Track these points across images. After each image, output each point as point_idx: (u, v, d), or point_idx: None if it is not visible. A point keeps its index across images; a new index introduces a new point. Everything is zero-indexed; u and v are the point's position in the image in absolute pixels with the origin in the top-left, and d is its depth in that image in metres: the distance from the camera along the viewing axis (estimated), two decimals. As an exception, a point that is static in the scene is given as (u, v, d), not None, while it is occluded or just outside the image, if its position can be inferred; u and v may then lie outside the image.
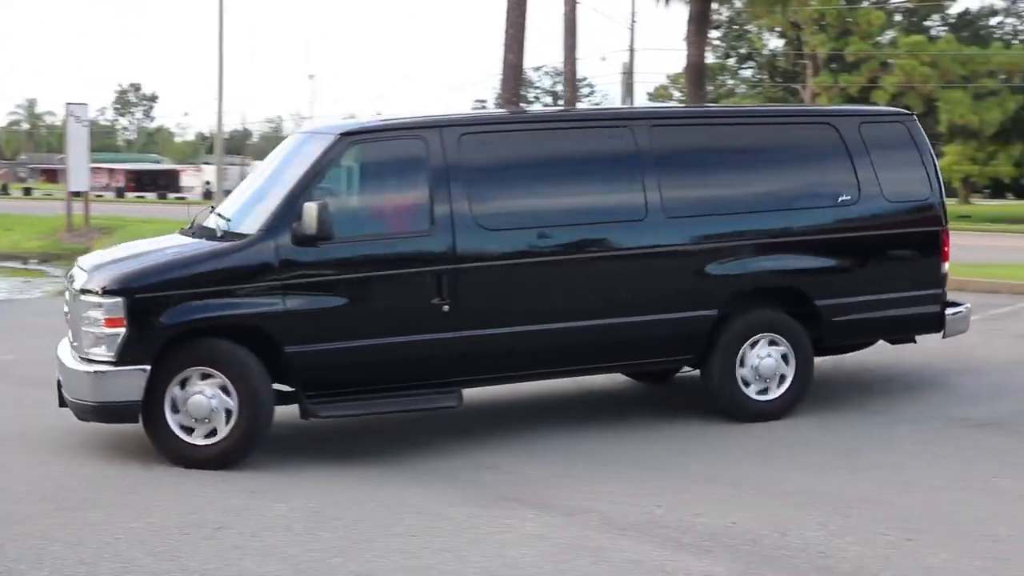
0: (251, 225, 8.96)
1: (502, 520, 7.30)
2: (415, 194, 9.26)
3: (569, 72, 18.97)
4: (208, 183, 75.73)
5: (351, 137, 9.26)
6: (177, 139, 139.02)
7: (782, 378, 9.87)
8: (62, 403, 9.03)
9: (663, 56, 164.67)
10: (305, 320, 8.76)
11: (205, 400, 8.48)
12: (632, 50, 56.54)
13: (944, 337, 10.73)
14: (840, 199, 10.22)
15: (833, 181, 10.29)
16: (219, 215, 9.57)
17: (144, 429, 8.65)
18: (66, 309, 9.36)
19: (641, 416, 10.01)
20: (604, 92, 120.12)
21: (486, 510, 7.54)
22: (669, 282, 9.73)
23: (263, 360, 8.62)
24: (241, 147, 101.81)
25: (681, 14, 17.70)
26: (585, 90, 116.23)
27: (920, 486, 7.89)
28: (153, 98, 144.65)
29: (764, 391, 9.86)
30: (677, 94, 66.59)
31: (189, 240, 9.47)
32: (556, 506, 7.60)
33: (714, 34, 61.99)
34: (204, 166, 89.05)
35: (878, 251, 10.46)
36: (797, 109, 12.41)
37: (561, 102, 35.63)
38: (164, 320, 8.51)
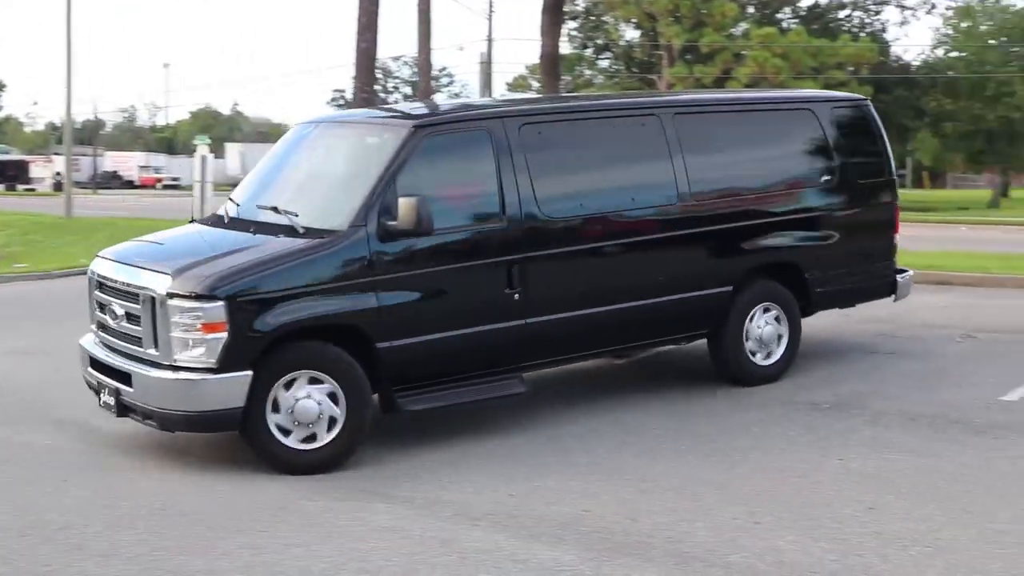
0: (328, 220, 8.71)
1: (355, 513, 7.26)
2: (485, 185, 9.25)
3: (424, 61, 18.88)
4: (59, 174, 73.74)
5: (425, 129, 9.14)
6: (27, 129, 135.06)
7: (778, 343, 10.83)
8: (122, 412, 8.55)
9: (522, 46, 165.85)
10: (395, 315, 8.65)
11: (313, 404, 8.23)
12: (490, 40, 56.76)
13: (895, 300, 12.08)
14: (823, 179, 11.27)
15: (816, 163, 11.34)
16: (273, 209, 9.09)
17: (241, 435, 8.36)
18: (104, 309, 8.95)
19: (497, 409, 9.97)
20: (463, 83, 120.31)
21: (340, 503, 7.48)
22: (699, 262, 10.42)
23: (356, 358, 8.48)
24: (93, 137, 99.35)
25: (536, 4, 17.78)
26: (444, 80, 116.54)
27: (768, 469, 8.02)
28: (0, 86, 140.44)
29: (767, 356, 10.76)
30: (536, 84, 66.88)
31: (245, 235, 9.04)
32: (411, 498, 7.56)
33: (572, 25, 62.49)
34: (55, 156, 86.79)
35: (851, 226, 11.43)
36: (783, 96, 13.53)
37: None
38: (267, 323, 8.17)
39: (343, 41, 70.18)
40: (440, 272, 8.92)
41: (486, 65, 56.75)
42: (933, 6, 78.34)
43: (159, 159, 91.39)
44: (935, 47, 78.70)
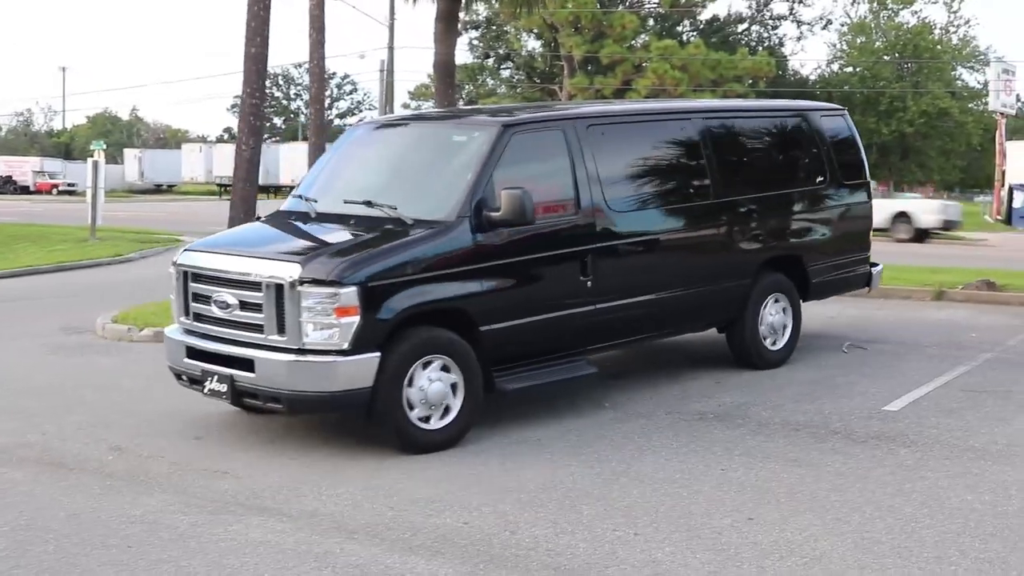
0: (433, 212, 9.28)
1: (227, 527, 7.08)
2: (562, 180, 10.02)
3: (316, 68, 18.68)
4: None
5: (512, 129, 9.80)
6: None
7: (784, 330, 12.10)
8: (237, 398, 8.97)
9: (424, 54, 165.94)
10: (495, 300, 9.36)
11: (442, 385, 8.88)
12: (391, 48, 56.45)
13: (869, 291, 13.80)
14: (818, 180, 12.64)
15: (812, 166, 12.68)
16: (366, 203, 9.57)
17: (369, 417, 8.79)
18: (206, 300, 9.24)
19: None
20: (366, 90, 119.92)
21: (213, 517, 7.29)
22: (731, 254, 11.62)
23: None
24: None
25: (430, 12, 17.73)
26: (347, 88, 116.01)
27: (650, 480, 7.97)
28: None
29: (774, 342, 12.00)
30: (438, 93, 66.69)
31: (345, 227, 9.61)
32: (286, 511, 7.39)
33: (473, 34, 62.60)
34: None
35: (839, 223, 12.86)
36: (783, 105, 15.15)
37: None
38: (392, 307, 8.68)
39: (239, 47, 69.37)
40: (530, 260, 9.65)
41: (387, 73, 56.52)
42: (829, 22, 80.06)
43: (55, 164, 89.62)
44: (831, 62, 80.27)
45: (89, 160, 30.12)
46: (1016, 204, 42.00)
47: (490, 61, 65.81)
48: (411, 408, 8.76)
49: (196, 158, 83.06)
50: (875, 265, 13.48)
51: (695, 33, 63.36)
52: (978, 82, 76.77)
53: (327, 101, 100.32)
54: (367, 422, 8.97)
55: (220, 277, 9.18)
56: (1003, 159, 45.92)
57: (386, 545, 6.74)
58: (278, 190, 76.56)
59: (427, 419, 8.85)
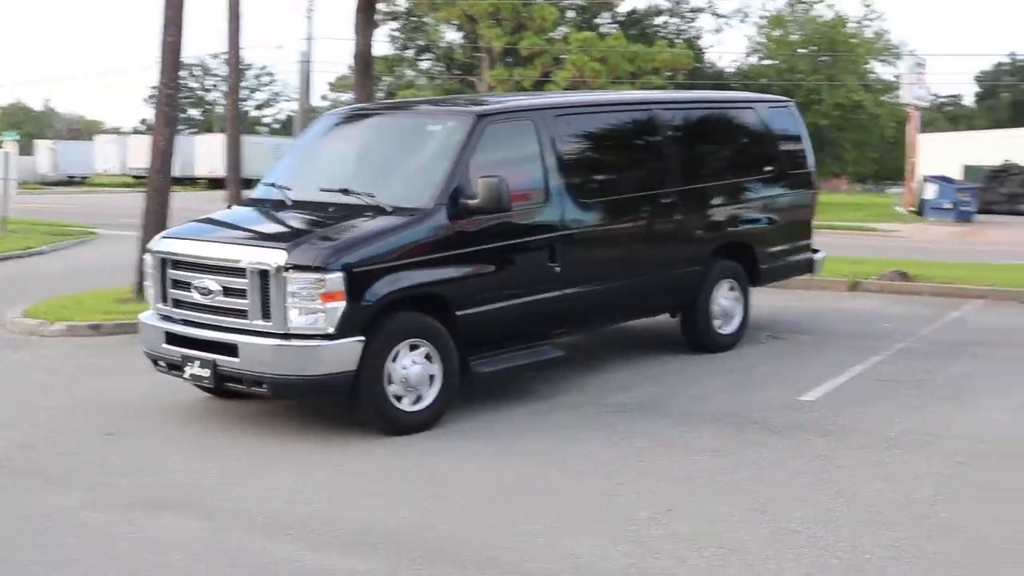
0: (411, 200, 9.50)
1: (140, 525, 6.98)
2: (533, 169, 10.33)
3: (233, 58, 18.46)
4: None
5: (486, 119, 10.07)
6: None
7: (734, 315, 12.57)
8: (219, 383, 9.11)
9: (343, 45, 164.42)
10: (471, 285, 9.63)
11: (420, 369, 9.13)
12: (310, 39, 56.09)
13: (812, 276, 14.54)
14: (766, 169, 13.10)
15: (761, 156, 13.15)
16: (343, 191, 9.81)
17: (351, 400, 9.02)
18: (186, 286, 9.36)
19: (302, 413, 9.79)
20: (284, 82, 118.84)
21: (126, 515, 7.18)
22: (687, 242, 12.02)
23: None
24: None
25: (350, 2, 17.54)
26: (265, 79, 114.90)
27: (571, 472, 7.99)
28: None
29: (723, 326, 12.43)
30: (357, 84, 66.18)
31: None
32: (202, 508, 7.31)
33: (393, 25, 62.24)
34: None
35: (785, 211, 13.35)
36: (734, 96, 15.89)
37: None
38: (376, 292, 8.90)
39: (155, 38, 68.43)
40: (503, 247, 9.91)
41: (306, 64, 56.08)
42: (746, 15, 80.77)
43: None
44: (748, 55, 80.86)
45: (0, 151, 29.49)
46: (928, 196, 42.69)
47: (409, 52, 65.48)
48: (390, 391, 9.01)
49: (110, 149, 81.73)
50: (817, 251, 14.06)
51: (614, 25, 63.43)
52: (891, 75, 77.87)
53: (245, 92, 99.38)
54: (350, 406, 9.17)
55: (201, 264, 9.30)
56: (915, 151, 46.54)
57: (306, 542, 6.68)
58: (194, 182, 75.66)
59: (406, 400, 9.11)
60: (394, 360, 9.02)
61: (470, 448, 8.69)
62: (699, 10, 69.45)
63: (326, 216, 9.68)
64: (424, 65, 67.27)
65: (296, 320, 8.67)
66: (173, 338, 9.47)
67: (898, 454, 8.38)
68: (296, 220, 9.92)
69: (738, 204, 12.76)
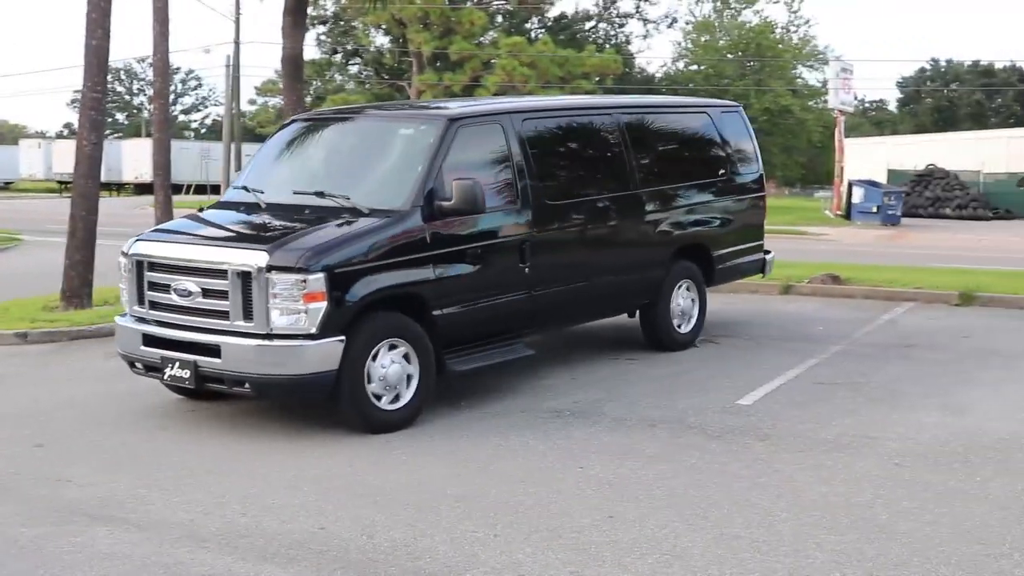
0: (387, 202, 9.67)
1: (72, 538, 6.79)
2: (504, 171, 10.58)
3: (160, 62, 18.15)
4: None
5: (457, 122, 10.27)
6: None
7: (691, 314, 12.94)
8: (200, 383, 9.17)
9: (270, 49, 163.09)
10: (446, 285, 9.81)
11: (398, 368, 9.32)
12: (237, 43, 55.52)
13: (764, 276, 14.81)
14: (719, 172, 13.54)
15: (715, 159, 13.57)
16: (317, 193, 9.98)
17: (332, 399, 9.14)
18: (164, 288, 9.43)
19: (225, 421, 9.63)
20: (211, 86, 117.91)
21: (58, 528, 6.99)
22: (650, 243, 12.41)
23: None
24: None
25: (277, 6, 17.30)
26: (192, 83, 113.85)
27: (508, 479, 7.89)
28: None
29: (681, 326, 12.79)
30: (285, 89, 65.68)
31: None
32: (134, 520, 7.13)
33: (321, 29, 61.89)
34: None
35: (738, 213, 13.77)
36: (688, 101, 16.29)
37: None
38: (356, 292, 9.05)
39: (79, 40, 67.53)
40: (476, 248, 10.13)
41: (234, 68, 55.59)
42: (674, 20, 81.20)
43: None
44: (676, 60, 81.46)
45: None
46: (855, 200, 43.13)
47: (338, 57, 65.17)
48: (370, 390, 9.18)
49: (35, 154, 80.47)
50: (768, 252, 14.45)
51: (543, 30, 63.65)
52: (817, 80, 78.73)
53: (171, 96, 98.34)
54: (330, 405, 9.30)
55: (180, 265, 9.39)
56: (842, 155, 47.04)
57: (239, 553, 6.53)
58: (121, 187, 74.71)
59: (385, 399, 9.29)
60: (373, 359, 9.17)
61: (400, 456, 8.55)
62: (628, 15, 69.85)
63: (303, 218, 9.74)
64: (353, 70, 66.96)
65: (278, 320, 8.79)
66: (151, 340, 9.51)
67: (837, 457, 8.38)
68: (273, 222, 9.94)
69: (695, 207, 13.08)
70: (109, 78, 16.33)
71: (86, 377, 11.60)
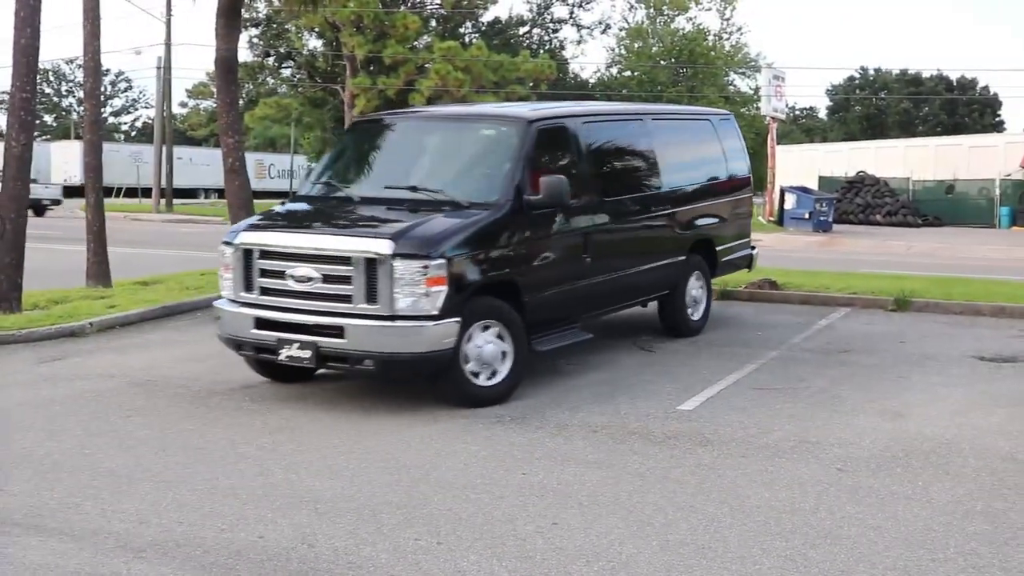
0: (482, 196, 10.58)
1: (3, 550, 6.57)
2: (568, 169, 11.44)
3: (91, 62, 17.81)
4: None
5: (535, 123, 11.27)
6: None
7: (701, 302, 14.30)
8: (320, 362, 9.89)
9: (203, 51, 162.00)
10: (534, 273, 10.79)
11: (494, 348, 10.21)
12: (169, 45, 54.96)
13: (750, 270, 16.19)
14: (720, 174, 14.92)
15: (716, 162, 14.93)
16: (411, 188, 10.91)
17: (435, 378, 10.04)
18: (277, 275, 10.10)
19: (160, 429, 9.44)
20: (142, 88, 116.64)
21: (-12, 539, 6.77)
22: (675, 237, 13.67)
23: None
24: None
25: (210, 8, 17.10)
26: (122, 85, 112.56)
27: (450, 486, 7.78)
28: None
29: (693, 313, 14.12)
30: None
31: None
32: (67, 530, 6.92)
33: (253, 32, 61.29)
34: None
35: (733, 211, 15.20)
36: (694, 110, 18.34)
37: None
38: (470, 278, 9.97)
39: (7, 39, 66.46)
40: (554, 239, 11.13)
41: (165, 71, 54.98)
42: (608, 26, 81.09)
43: None
44: (609, 66, 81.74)
45: None
46: (787, 206, 43.47)
47: (271, 60, 64.58)
48: (467, 369, 10.05)
49: (-41, 156, 79.13)
50: (754, 248, 15.95)
51: (477, 35, 63.45)
52: (749, 87, 79.37)
53: (102, 98, 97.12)
54: (429, 383, 10.19)
55: (298, 253, 10.07)
56: (774, 162, 47.38)
57: (176, 564, 6.37)
58: (49, 190, 73.57)
59: (482, 376, 10.17)
60: (468, 340, 9.96)
61: (342, 463, 8.41)
62: (562, 21, 69.82)
63: (408, 210, 10.47)
64: (286, 73, 66.47)
65: (402, 303, 9.56)
66: (264, 323, 10.12)
67: (779, 462, 8.37)
68: (382, 213, 10.67)
69: (706, 205, 14.42)
70: (37, 79, 16.01)
71: (16, 383, 11.34)
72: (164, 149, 54.60)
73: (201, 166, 74.74)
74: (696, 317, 14.18)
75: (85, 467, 8.31)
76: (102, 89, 21.28)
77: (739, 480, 7.93)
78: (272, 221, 11.06)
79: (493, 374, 10.23)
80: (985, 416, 9.94)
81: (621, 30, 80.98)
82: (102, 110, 21.86)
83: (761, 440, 9.01)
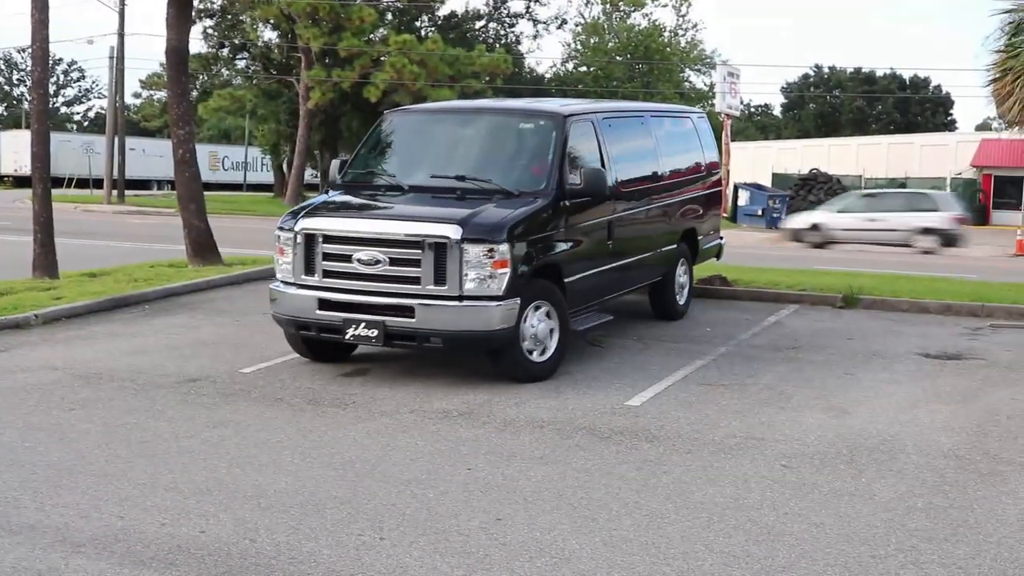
0: (527, 185, 11.32)
1: (-63, 545, 6.47)
2: (594, 161, 12.16)
3: (39, 50, 17.58)
4: None
5: (570, 118, 12.05)
6: None
7: (685, 288, 15.27)
8: (388, 340, 10.59)
9: (156, 42, 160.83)
10: (573, 256, 11.62)
11: (545, 326, 11.01)
12: (122, 34, 54.41)
13: (718, 260, 17.33)
14: (701, 169, 15.85)
15: (697, 157, 15.80)
16: (458, 178, 11.42)
17: (494, 354, 10.83)
18: (341, 258, 10.72)
19: (101, 422, 9.35)
20: (94, 77, 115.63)
21: (-79, 534, 6.67)
22: (671, 225, 14.67)
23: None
24: None
25: (162, -4, 16.94)
26: (75, 74, 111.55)
27: (395, 481, 7.75)
28: None
29: (679, 298, 15.10)
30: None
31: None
32: (4, 524, 6.84)
33: (208, 23, 60.90)
34: None
35: (709, 204, 16.31)
36: (678, 108, 19.23)
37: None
38: (527, 261, 10.72)
39: (-41, 29, 65.66)
40: (588, 226, 11.94)
41: (118, 60, 54.48)
42: (564, 22, 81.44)
43: None
44: (565, 61, 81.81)
45: None
46: (741, 202, 43.77)
47: (225, 51, 64.15)
48: (524, 346, 10.79)
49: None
50: (722, 238, 17.15)
51: (433, 28, 63.28)
52: (704, 84, 79.67)
53: (53, 87, 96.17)
54: (491, 359, 10.95)
55: (364, 238, 10.69)
56: (728, 159, 47.64)
57: (116, 559, 6.31)
58: (1, 179, 72.90)
59: (536, 353, 10.95)
60: (525, 320, 10.72)
61: (286, 457, 8.36)
62: (518, 15, 69.79)
63: (457, 198, 11.09)
64: (240, 64, 66.05)
65: (470, 285, 10.30)
66: (329, 304, 10.73)
67: (724, 458, 8.40)
68: (436, 202, 11.21)
69: (692, 196, 15.39)
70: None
71: (-43, 375, 11.19)
72: (116, 140, 54.11)
73: (154, 157, 74.12)
74: (682, 301, 15.15)
75: (25, 460, 8.21)
76: (54, 79, 21.02)
77: (684, 476, 7.95)
78: (330, 208, 11.59)
79: (543, 351, 10.98)
80: (929, 413, 10.02)
81: (577, 25, 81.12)
82: (53, 100, 21.62)
83: (707, 436, 9.04)
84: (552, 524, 6.91)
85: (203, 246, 19.86)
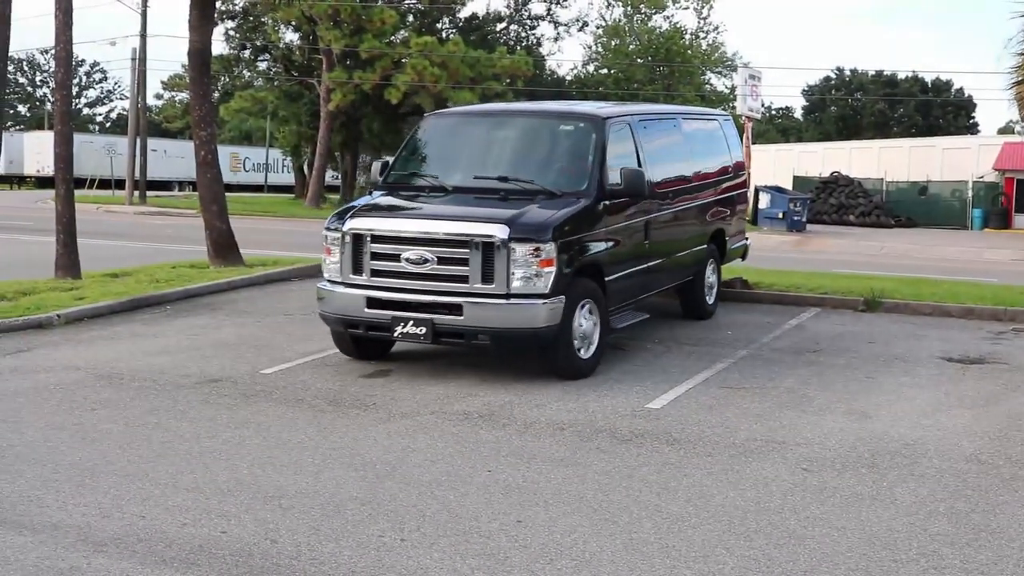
0: (569, 186, 11.56)
1: (-39, 543, 6.51)
2: (631, 162, 12.34)
3: (63, 52, 17.66)
4: None
5: (608, 120, 12.30)
6: None
7: (714, 287, 15.58)
8: (436, 338, 10.81)
9: (179, 43, 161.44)
10: (612, 256, 11.86)
11: (590, 324, 11.27)
12: (144, 36, 54.63)
13: (744, 260, 17.47)
14: (728, 171, 16.05)
15: (725, 159, 16.05)
16: (501, 179, 11.65)
17: (544, 351, 11.06)
18: (390, 258, 10.93)
19: (123, 422, 9.39)
20: (116, 79, 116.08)
21: (-55, 532, 6.70)
22: (701, 226, 14.89)
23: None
24: None
25: (185, -1, 17.01)
26: (97, 76, 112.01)
27: (416, 482, 7.76)
28: None
29: (708, 298, 15.32)
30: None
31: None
32: (27, 524, 6.87)
33: (230, 24, 61.04)
34: None
35: (737, 205, 16.60)
36: (708, 111, 18.86)
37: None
38: (572, 260, 10.95)
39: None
40: (626, 225, 12.19)
41: (140, 62, 54.69)
42: (585, 24, 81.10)
43: None
44: (586, 63, 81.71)
45: None
46: (762, 205, 43.61)
47: (247, 53, 64.30)
48: (575, 343, 11.03)
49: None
50: (747, 239, 17.40)
51: (454, 30, 63.28)
52: (726, 86, 79.47)
53: (76, 89, 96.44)
54: (540, 356, 11.21)
55: (413, 238, 10.94)
56: (749, 161, 47.46)
57: (137, 558, 6.33)
58: (23, 180, 73.24)
59: (582, 350, 11.18)
60: (574, 318, 10.92)
61: (307, 459, 8.37)
62: (539, 17, 69.67)
63: (501, 199, 11.32)
64: (262, 66, 66.21)
65: (517, 283, 10.54)
66: (377, 303, 10.96)
67: (745, 462, 8.38)
68: (481, 202, 11.37)
69: (720, 198, 15.60)
70: (11, 68, 15.89)
71: (-20, 374, 11.25)
72: (138, 141, 54.31)
73: (175, 158, 74.39)
74: (711, 302, 15.38)
75: (47, 460, 8.24)
76: (77, 80, 21.11)
77: (705, 479, 7.94)
78: (377, 208, 11.80)
79: (588, 347, 11.25)
80: (951, 417, 9.98)
81: (598, 27, 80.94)
82: (76, 101, 21.68)
83: (728, 439, 9.02)
84: (572, 526, 6.91)
85: (224, 247, 19.91)
